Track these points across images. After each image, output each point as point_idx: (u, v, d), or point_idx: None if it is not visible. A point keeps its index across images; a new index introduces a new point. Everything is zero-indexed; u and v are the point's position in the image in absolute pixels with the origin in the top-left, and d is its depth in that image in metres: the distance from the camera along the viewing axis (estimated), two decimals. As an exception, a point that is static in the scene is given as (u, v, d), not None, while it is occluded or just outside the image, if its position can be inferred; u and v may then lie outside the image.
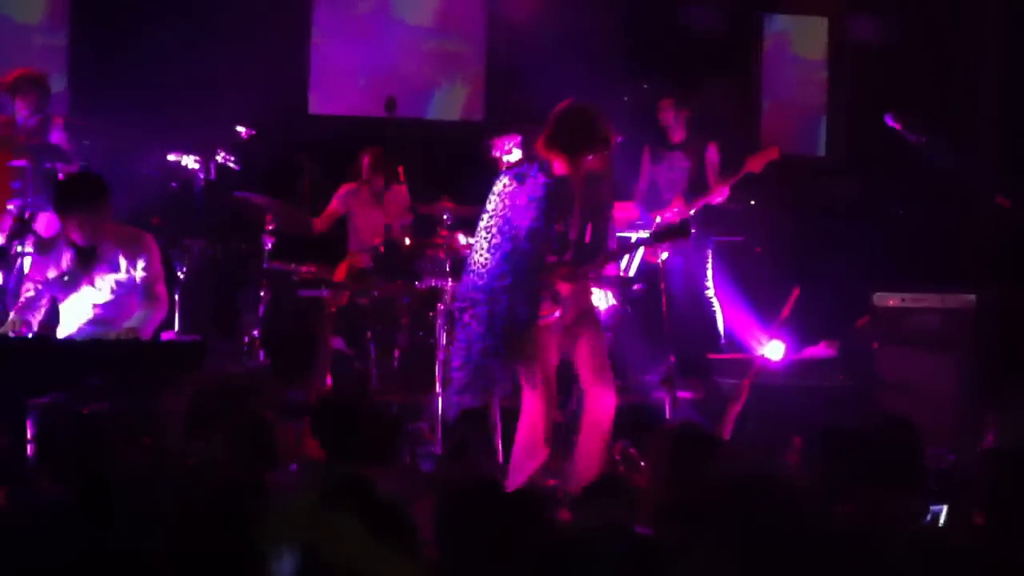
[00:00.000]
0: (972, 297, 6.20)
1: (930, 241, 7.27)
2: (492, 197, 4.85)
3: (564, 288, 4.83)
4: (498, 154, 6.29)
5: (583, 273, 4.89)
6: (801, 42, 8.65)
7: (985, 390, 6.16)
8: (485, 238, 4.81)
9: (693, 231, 5.03)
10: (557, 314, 4.84)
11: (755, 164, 6.63)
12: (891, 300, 6.34)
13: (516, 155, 6.24)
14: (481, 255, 4.80)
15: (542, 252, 4.78)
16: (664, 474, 3.51)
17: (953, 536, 3.27)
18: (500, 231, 4.78)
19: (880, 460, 3.30)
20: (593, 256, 4.88)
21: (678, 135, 7.07)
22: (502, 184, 4.86)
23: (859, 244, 7.32)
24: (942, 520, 3.52)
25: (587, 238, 4.86)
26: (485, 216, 4.85)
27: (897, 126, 5.30)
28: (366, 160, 6.99)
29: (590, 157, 4.84)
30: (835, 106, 8.47)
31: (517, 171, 4.89)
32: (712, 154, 6.97)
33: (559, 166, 4.84)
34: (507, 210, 4.81)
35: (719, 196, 6.80)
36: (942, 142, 5.06)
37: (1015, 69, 7.39)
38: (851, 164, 8.18)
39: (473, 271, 4.83)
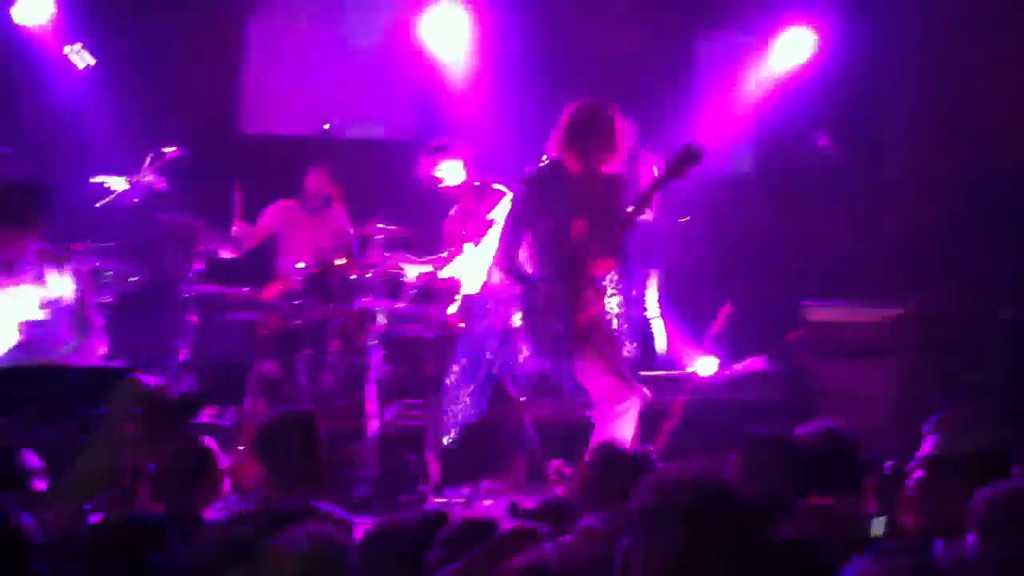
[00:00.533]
0: (901, 309, 6.31)
1: (860, 254, 7.37)
2: (508, 205, 4.91)
3: (602, 274, 4.86)
4: (431, 171, 6.26)
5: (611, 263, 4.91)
6: (732, 60, 8.74)
7: (917, 399, 6.25)
8: (513, 249, 4.88)
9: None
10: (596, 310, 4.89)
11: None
12: (822, 313, 6.43)
13: (449, 171, 6.20)
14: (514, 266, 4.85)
15: (566, 252, 4.83)
16: (592, 492, 3.53)
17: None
18: (526, 237, 4.86)
19: (817, 469, 3.33)
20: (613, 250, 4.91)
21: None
22: (518, 192, 4.92)
23: (790, 259, 7.40)
24: (881, 530, 3.54)
25: (607, 239, 4.89)
26: (509, 225, 4.89)
27: (826, 143, 5.36)
28: (313, 178, 6.89)
29: (607, 158, 4.91)
30: (764, 123, 8.56)
31: (534, 175, 4.95)
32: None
33: (574, 165, 4.89)
34: (527, 215, 4.87)
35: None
36: (868, 158, 5.13)
37: (924, 87, 7.56)
38: (783, 181, 8.27)
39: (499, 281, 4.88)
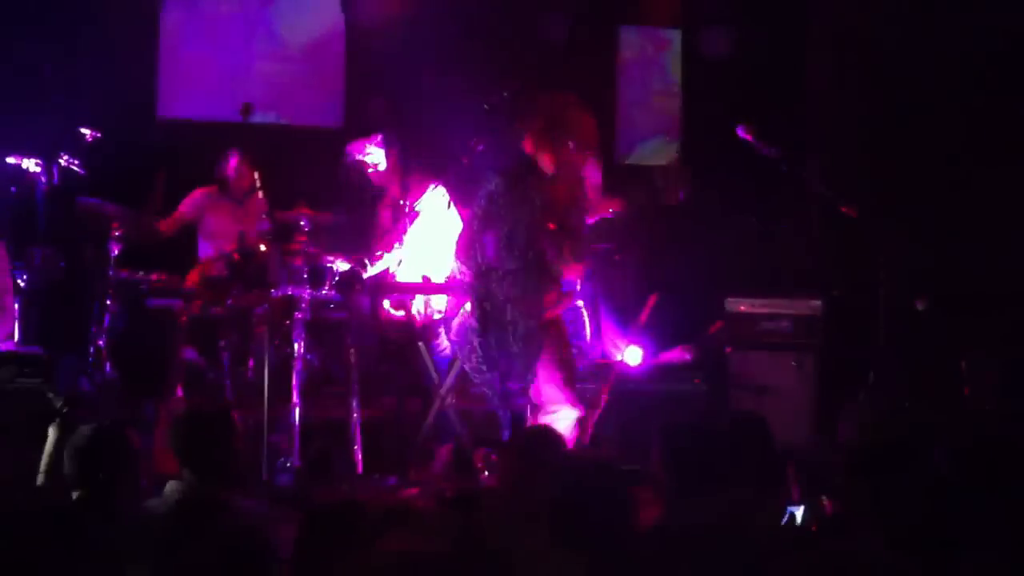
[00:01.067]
0: (819, 302, 6.43)
1: (780, 248, 7.49)
2: (481, 199, 4.86)
3: (571, 279, 4.87)
4: (358, 156, 6.17)
5: (581, 269, 4.92)
6: (656, 53, 8.82)
7: (830, 390, 6.39)
8: (480, 241, 4.81)
9: None
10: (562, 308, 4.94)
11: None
12: (743, 306, 6.52)
13: (376, 156, 6.13)
14: (478, 258, 4.81)
15: (538, 249, 4.81)
16: (511, 478, 3.55)
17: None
18: (495, 231, 4.82)
19: (732, 457, 3.38)
20: (582, 252, 4.92)
21: None
22: (493, 184, 4.87)
23: (713, 252, 7.49)
24: (799, 519, 3.61)
25: (579, 234, 4.90)
26: (477, 217, 4.86)
27: (748, 137, 5.43)
28: (232, 163, 6.78)
29: (583, 156, 4.91)
30: (689, 117, 8.65)
31: (508, 170, 4.92)
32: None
33: (548, 163, 4.88)
34: (500, 209, 4.83)
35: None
36: (790, 152, 5.21)
37: (846, 81, 7.71)
38: (706, 174, 8.37)
39: (470, 275, 4.82)
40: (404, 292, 6.00)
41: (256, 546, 2.62)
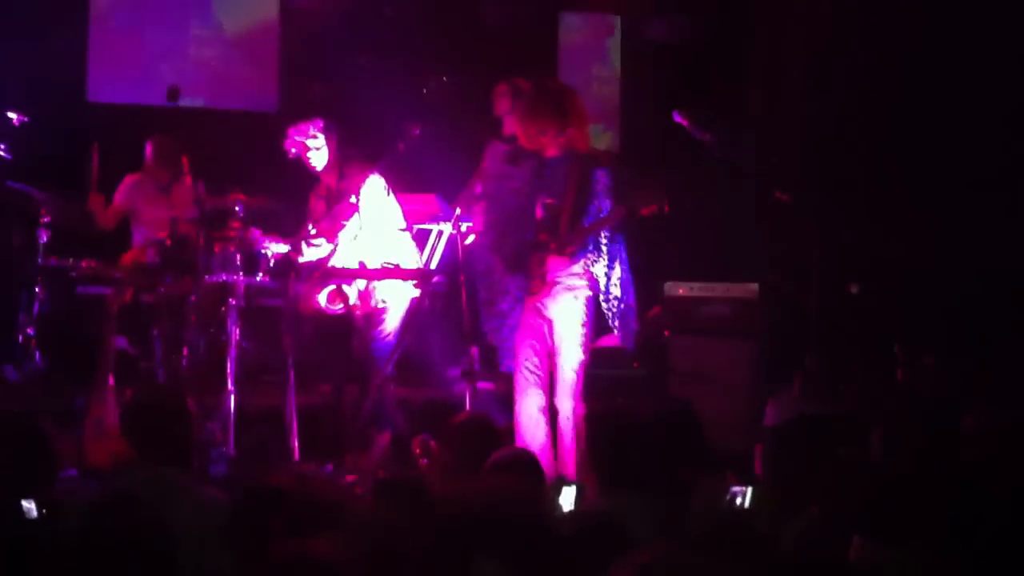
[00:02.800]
0: (756, 286, 6.48)
1: (716, 233, 7.54)
2: (479, 177, 4.90)
3: (553, 266, 4.83)
4: (299, 138, 6.06)
5: (570, 252, 4.91)
6: (596, 39, 8.82)
7: (767, 374, 6.45)
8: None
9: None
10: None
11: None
12: (680, 290, 6.55)
13: (318, 141, 6.03)
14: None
15: (530, 232, 4.79)
16: (451, 465, 3.53)
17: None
18: (492, 210, 4.83)
19: (663, 443, 3.39)
20: (574, 237, 4.92)
21: (510, 126, 6.89)
22: (494, 163, 4.91)
23: (650, 236, 7.51)
24: (747, 501, 3.62)
25: (572, 219, 4.89)
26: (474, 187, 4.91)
27: (684, 122, 5.45)
28: (149, 150, 6.67)
29: (580, 141, 4.94)
30: (628, 103, 8.67)
31: (509, 152, 4.94)
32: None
33: (551, 148, 4.88)
34: (499, 191, 4.83)
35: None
36: (726, 138, 5.24)
37: (784, 66, 7.79)
38: (644, 160, 8.39)
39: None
40: (341, 278, 5.93)
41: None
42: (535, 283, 5.08)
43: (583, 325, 5.04)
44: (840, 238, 6.22)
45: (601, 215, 5.02)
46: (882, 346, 6.33)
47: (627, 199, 5.02)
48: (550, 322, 5.08)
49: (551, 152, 5.09)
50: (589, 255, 5.02)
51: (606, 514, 2.82)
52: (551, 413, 5.13)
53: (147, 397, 3.73)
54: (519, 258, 5.11)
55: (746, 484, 3.90)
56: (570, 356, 5.02)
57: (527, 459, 3.52)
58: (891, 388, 6.11)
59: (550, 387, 5.12)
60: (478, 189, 6.49)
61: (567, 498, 3.47)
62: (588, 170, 5.03)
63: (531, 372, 5.11)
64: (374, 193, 5.99)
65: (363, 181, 5.94)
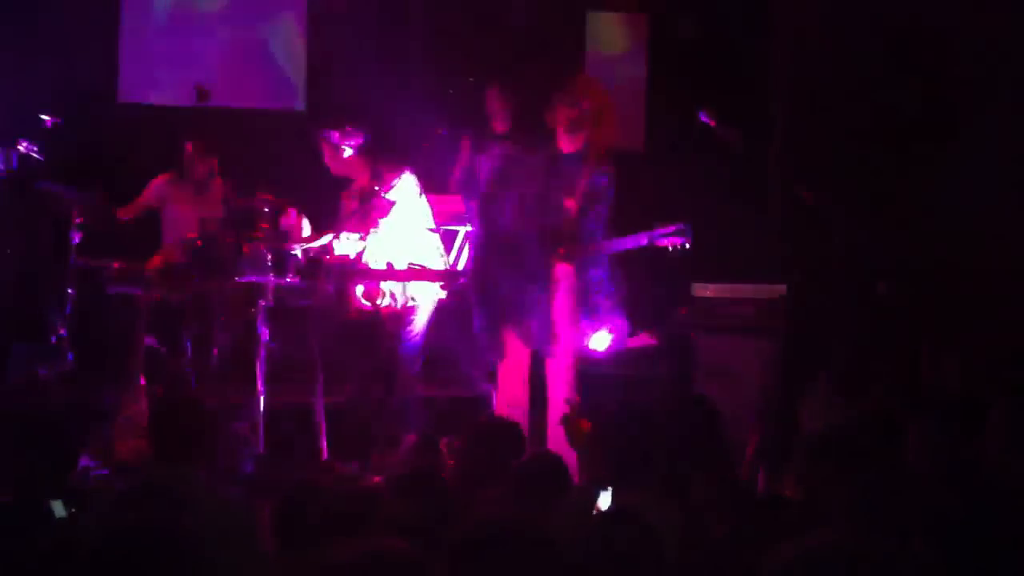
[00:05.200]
0: (783, 288, 6.45)
1: (744, 233, 7.52)
2: (496, 159, 4.91)
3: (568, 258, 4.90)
4: (333, 138, 6.08)
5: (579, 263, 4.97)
6: (623, 37, 8.81)
7: (795, 377, 6.42)
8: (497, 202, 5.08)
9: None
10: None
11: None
12: (708, 291, 6.54)
13: (352, 140, 6.05)
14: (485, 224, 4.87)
15: (548, 220, 4.86)
16: (471, 465, 3.55)
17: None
18: (506, 199, 4.87)
19: (683, 441, 3.39)
20: (587, 250, 4.97)
21: (500, 125, 6.92)
22: (513, 151, 4.93)
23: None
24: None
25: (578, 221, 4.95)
26: (494, 178, 4.90)
27: (711, 122, 5.44)
28: (189, 149, 6.71)
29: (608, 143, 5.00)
30: (655, 101, 8.66)
31: (523, 143, 4.97)
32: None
33: (567, 144, 4.93)
34: (511, 180, 4.87)
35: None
36: (751, 137, 5.23)
37: (805, 65, 7.74)
38: (671, 158, 8.38)
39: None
40: (370, 279, 5.97)
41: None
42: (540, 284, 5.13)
43: (574, 314, 5.11)
44: (867, 236, 6.17)
45: (600, 220, 5.06)
46: (909, 345, 6.29)
47: (648, 228, 5.07)
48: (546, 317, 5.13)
49: (566, 148, 5.11)
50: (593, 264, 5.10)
51: (636, 515, 2.83)
52: (541, 404, 5.19)
53: (166, 398, 3.77)
54: (530, 245, 5.13)
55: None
56: (565, 344, 5.09)
57: (553, 463, 3.53)
58: (919, 389, 6.07)
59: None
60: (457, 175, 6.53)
61: (604, 500, 3.46)
62: (595, 174, 5.06)
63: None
64: (407, 191, 6.01)
65: (397, 178, 5.96)
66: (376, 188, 5.98)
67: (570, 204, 5.07)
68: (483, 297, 5.23)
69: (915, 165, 6.86)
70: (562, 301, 5.10)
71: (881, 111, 6.99)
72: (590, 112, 5.09)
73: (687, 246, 5.00)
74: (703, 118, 5.81)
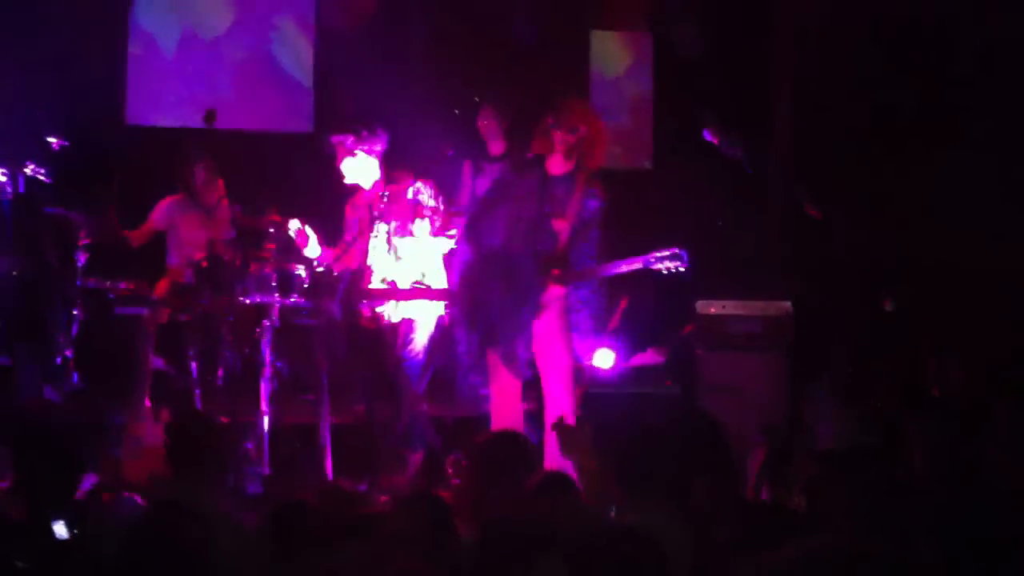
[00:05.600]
0: (788, 303, 6.45)
1: (749, 250, 7.52)
2: (489, 184, 4.94)
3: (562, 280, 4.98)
4: (337, 147, 6.08)
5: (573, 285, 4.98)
6: (627, 56, 8.84)
7: (802, 393, 6.41)
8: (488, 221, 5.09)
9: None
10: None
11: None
12: (712, 308, 6.54)
13: (366, 160, 6.06)
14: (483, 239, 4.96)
15: (540, 244, 4.87)
16: (477, 480, 3.55)
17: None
18: (497, 220, 4.88)
19: (689, 458, 3.39)
20: (582, 276, 4.98)
21: (496, 147, 6.96)
22: (506, 173, 4.95)
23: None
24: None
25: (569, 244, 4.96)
26: (486, 197, 4.93)
27: (715, 140, 5.46)
28: (200, 172, 6.74)
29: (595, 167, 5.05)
30: (661, 118, 8.68)
31: (517, 163, 4.98)
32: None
33: (558, 166, 4.94)
34: (513, 200, 4.90)
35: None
36: (757, 155, 5.24)
37: (806, 81, 7.77)
38: (678, 177, 8.39)
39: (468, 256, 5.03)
40: (374, 298, 5.98)
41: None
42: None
43: (566, 333, 5.12)
44: (873, 253, 6.18)
45: (592, 243, 5.07)
46: (916, 362, 6.28)
47: (645, 252, 5.08)
48: (538, 335, 5.13)
49: (557, 170, 5.12)
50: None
51: (643, 529, 2.83)
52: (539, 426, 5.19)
53: (190, 419, 3.78)
54: (523, 267, 5.13)
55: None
56: (561, 363, 5.08)
57: (562, 482, 3.53)
58: (921, 391, 6.05)
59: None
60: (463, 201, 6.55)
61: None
62: (585, 196, 5.07)
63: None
64: (426, 201, 6.01)
65: (411, 185, 5.97)
66: (384, 193, 5.97)
67: (561, 226, 5.06)
68: (470, 319, 5.22)
69: (915, 166, 6.86)
70: (552, 322, 5.10)
71: (880, 112, 7.00)
72: (587, 137, 5.09)
73: (682, 270, 4.99)
74: (707, 136, 5.84)
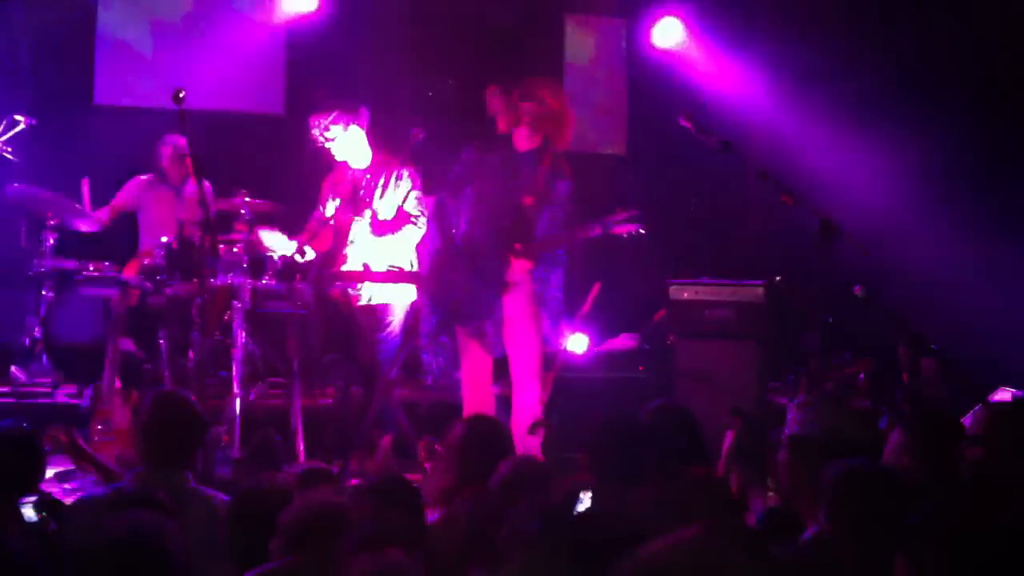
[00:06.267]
0: (761, 289, 6.46)
1: (721, 235, 7.54)
2: (459, 168, 4.98)
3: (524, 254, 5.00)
4: (315, 130, 6.02)
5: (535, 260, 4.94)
6: (600, 43, 8.82)
7: (774, 378, 6.43)
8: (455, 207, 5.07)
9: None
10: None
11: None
12: (686, 293, 6.54)
13: (335, 132, 5.99)
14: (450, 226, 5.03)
15: (503, 219, 4.83)
16: (451, 462, 3.54)
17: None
18: (463, 200, 4.85)
19: (662, 446, 3.41)
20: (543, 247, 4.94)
21: (503, 125, 6.88)
22: (472, 154, 4.91)
23: (658, 239, 7.52)
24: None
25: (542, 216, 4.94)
26: (452, 182, 5.06)
27: (688, 125, 5.44)
28: (167, 152, 6.66)
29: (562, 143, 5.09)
30: (635, 106, 8.67)
31: (489, 143, 4.96)
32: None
33: (524, 142, 4.88)
34: (478, 179, 5.02)
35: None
36: (729, 141, 5.23)
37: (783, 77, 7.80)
38: (650, 162, 8.39)
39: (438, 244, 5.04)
40: (347, 281, 5.94)
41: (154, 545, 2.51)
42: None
43: (535, 316, 5.12)
44: (844, 239, 6.20)
45: (556, 223, 5.06)
46: (886, 348, 6.32)
47: (601, 217, 5.07)
48: (507, 316, 5.13)
49: (523, 146, 5.11)
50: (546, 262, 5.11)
51: (622, 513, 2.83)
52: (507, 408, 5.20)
53: (166, 401, 3.73)
54: (487, 244, 5.11)
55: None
56: (528, 345, 5.08)
57: (534, 469, 3.53)
58: (898, 391, 6.09)
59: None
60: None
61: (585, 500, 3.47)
62: (553, 176, 5.06)
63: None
64: (406, 184, 5.97)
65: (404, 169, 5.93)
66: (368, 176, 5.92)
67: (527, 202, 5.05)
68: (434, 298, 5.21)
69: (898, 165, 6.90)
70: (520, 303, 5.08)
71: (861, 108, 7.02)
72: (554, 111, 5.07)
73: (642, 232, 5.01)
74: (681, 122, 5.82)
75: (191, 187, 6.57)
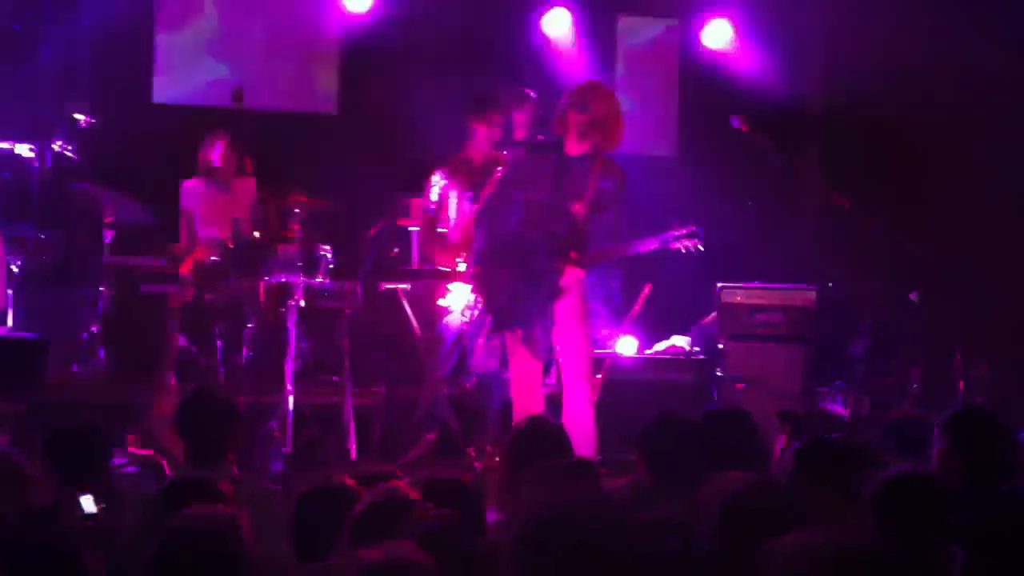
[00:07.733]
0: (813, 293, 6.42)
1: (775, 239, 7.49)
2: (507, 170, 5.01)
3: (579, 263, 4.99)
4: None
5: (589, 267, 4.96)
6: (654, 43, 8.79)
7: (822, 383, 6.39)
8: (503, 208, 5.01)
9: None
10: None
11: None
12: (737, 296, 6.52)
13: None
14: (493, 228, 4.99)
15: (556, 225, 4.89)
16: (509, 466, 3.55)
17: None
18: (513, 204, 4.90)
19: (719, 448, 3.40)
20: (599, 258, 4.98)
21: (519, 134, 6.89)
22: (522, 156, 4.92)
23: (709, 241, 7.49)
24: None
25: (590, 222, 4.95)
26: (502, 183, 5.00)
27: (743, 128, 5.44)
28: (219, 149, 6.72)
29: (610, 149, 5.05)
30: (686, 107, 8.64)
31: (534, 145, 4.96)
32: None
33: (575, 147, 4.90)
34: (522, 182, 4.95)
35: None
36: (783, 143, 5.21)
37: (838, 71, 7.72)
38: (703, 163, 8.35)
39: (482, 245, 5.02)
40: (402, 279, 6.00)
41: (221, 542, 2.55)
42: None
43: (586, 318, 5.12)
44: (901, 244, 6.15)
45: (608, 225, 5.05)
46: (942, 355, 6.26)
47: (662, 231, 5.05)
48: (558, 320, 5.12)
49: (574, 151, 5.09)
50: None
51: (673, 516, 2.83)
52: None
53: (197, 397, 3.78)
54: (537, 250, 5.11)
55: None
56: (578, 349, 5.10)
57: (582, 468, 3.53)
58: (951, 398, 6.03)
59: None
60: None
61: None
62: (602, 178, 5.04)
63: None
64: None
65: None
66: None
67: (578, 208, 5.03)
68: (484, 304, 5.21)
69: (956, 174, 6.82)
70: (571, 306, 5.07)
71: (921, 121, 6.95)
72: (600, 117, 5.05)
73: (700, 248, 4.99)
74: (735, 123, 5.81)
75: (246, 185, 6.64)
